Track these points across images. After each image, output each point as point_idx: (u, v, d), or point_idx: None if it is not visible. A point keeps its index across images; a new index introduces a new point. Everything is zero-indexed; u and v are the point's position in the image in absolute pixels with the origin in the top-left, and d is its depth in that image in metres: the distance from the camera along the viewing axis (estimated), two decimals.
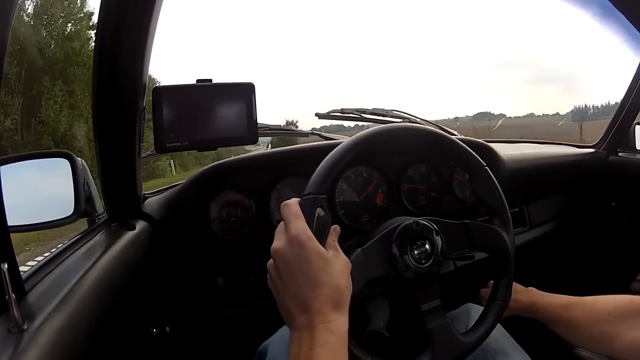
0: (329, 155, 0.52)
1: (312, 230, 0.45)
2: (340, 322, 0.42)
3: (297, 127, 1.13)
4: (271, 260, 0.45)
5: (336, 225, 0.49)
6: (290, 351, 0.42)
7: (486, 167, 0.59)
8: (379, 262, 0.53)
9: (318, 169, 0.51)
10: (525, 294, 0.71)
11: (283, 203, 0.47)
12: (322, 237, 0.46)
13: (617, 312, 0.59)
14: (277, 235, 0.45)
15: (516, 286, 0.74)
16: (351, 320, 0.44)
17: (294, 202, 0.47)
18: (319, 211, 0.48)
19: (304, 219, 0.45)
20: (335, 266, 0.44)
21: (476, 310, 0.65)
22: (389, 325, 0.66)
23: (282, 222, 0.46)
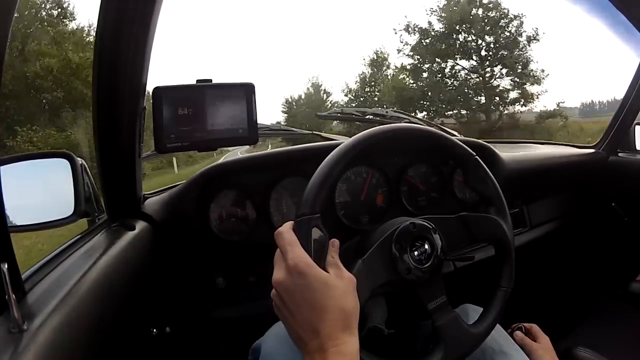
0: (319, 169, 0.51)
1: (310, 254, 0.44)
2: (351, 343, 0.42)
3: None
4: (274, 290, 0.45)
5: (334, 240, 0.48)
6: None
7: (476, 157, 0.59)
8: (381, 269, 0.52)
9: (309, 185, 0.50)
10: None
11: (276, 232, 0.46)
12: (321, 258, 0.46)
13: None
14: (276, 265, 0.45)
15: None
16: None
17: (287, 229, 0.46)
18: (315, 231, 0.46)
19: (299, 245, 0.44)
20: (339, 288, 0.43)
21: (474, 310, 0.65)
22: (388, 324, 0.66)
23: (278, 251, 0.45)
